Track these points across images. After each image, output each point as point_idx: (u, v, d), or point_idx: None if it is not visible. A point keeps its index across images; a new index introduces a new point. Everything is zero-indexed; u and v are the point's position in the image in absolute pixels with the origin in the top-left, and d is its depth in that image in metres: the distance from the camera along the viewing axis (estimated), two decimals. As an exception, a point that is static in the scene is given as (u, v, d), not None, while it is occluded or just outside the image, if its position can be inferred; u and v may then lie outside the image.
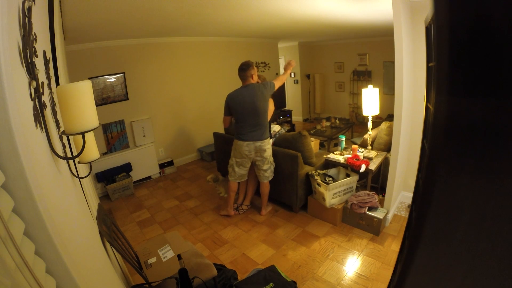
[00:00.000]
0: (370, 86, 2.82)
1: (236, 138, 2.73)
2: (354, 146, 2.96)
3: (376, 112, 2.86)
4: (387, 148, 3.06)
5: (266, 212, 3.04)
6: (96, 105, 1.51)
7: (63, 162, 0.94)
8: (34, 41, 0.74)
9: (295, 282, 1.90)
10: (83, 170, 1.54)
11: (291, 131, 3.69)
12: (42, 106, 0.73)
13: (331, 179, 2.77)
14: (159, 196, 3.75)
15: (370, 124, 2.93)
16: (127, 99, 4.06)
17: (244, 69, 2.61)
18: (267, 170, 2.80)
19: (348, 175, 2.76)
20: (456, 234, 0.73)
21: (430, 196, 0.74)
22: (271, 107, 2.89)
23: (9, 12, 0.57)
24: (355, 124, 6.23)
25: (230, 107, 2.67)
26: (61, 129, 0.97)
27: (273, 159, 2.88)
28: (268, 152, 2.73)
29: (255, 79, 2.63)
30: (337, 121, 5.35)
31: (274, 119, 5.97)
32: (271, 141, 2.77)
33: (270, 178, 2.86)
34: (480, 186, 0.67)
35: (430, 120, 0.81)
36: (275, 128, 3.34)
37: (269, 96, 2.67)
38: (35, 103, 0.68)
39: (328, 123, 5.30)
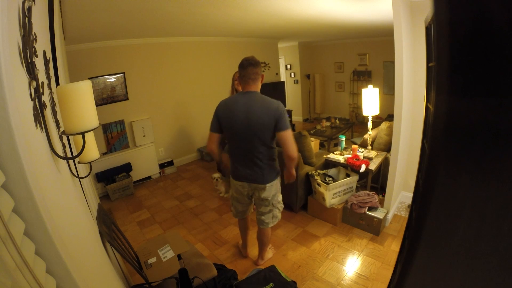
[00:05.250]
0: (370, 86, 2.82)
1: (231, 170, 1.98)
2: (354, 146, 2.96)
3: (376, 112, 2.86)
4: (387, 148, 3.06)
5: (263, 262, 2.26)
6: (96, 105, 1.51)
7: (63, 162, 0.94)
8: (34, 41, 0.74)
9: (295, 282, 1.90)
10: (83, 170, 1.54)
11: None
12: (42, 106, 0.73)
13: (331, 179, 2.77)
14: (159, 196, 3.75)
15: (370, 124, 2.93)
16: (127, 99, 4.06)
17: (254, 63, 1.70)
18: (265, 214, 1.99)
19: (348, 175, 2.76)
20: (456, 234, 0.73)
21: (430, 196, 0.74)
22: None
23: (9, 12, 0.57)
24: (355, 124, 6.23)
25: (220, 118, 1.79)
26: (61, 129, 0.97)
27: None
28: (269, 193, 1.89)
29: (258, 86, 1.78)
30: (337, 121, 5.35)
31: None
32: (277, 180, 1.94)
33: (270, 225, 2.03)
34: (480, 186, 0.67)
35: (430, 120, 0.81)
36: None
37: (282, 125, 1.68)
38: (35, 103, 0.68)
39: (328, 123, 5.30)
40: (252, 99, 1.71)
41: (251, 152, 1.78)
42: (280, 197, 2.02)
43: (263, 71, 6.10)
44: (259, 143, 1.74)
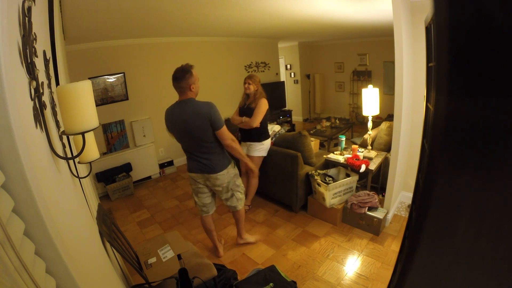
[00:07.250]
0: (370, 86, 2.82)
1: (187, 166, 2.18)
2: (354, 146, 2.96)
3: (376, 112, 2.86)
4: (387, 148, 3.06)
5: (243, 241, 2.50)
6: (96, 105, 1.51)
7: (63, 162, 0.94)
8: (34, 41, 0.74)
9: (295, 282, 1.90)
10: (83, 170, 1.54)
11: (291, 131, 3.69)
12: (42, 106, 0.73)
13: (331, 179, 2.77)
14: (159, 196, 3.75)
15: (370, 124, 2.93)
16: (127, 99, 4.06)
17: (178, 78, 1.81)
18: (229, 199, 2.19)
19: (348, 175, 2.76)
20: (456, 234, 0.73)
21: (430, 196, 0.74)
22: (263, 108, 2.61)
23: (9, 12, 0.57)
24: (355, 124, 6.23)
25: (166, 124, 2.05)
26: (61, 129, 0.97)
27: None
28: (223, 180, 2.05)
29: (196, 90, 1.89)
30: (337, 121, 5.36)
31: (274, 119, 5.98)
32: (230, 168, 2.08)
33: (239, 207, 2.25)
34: (480, 186, 0.67)
35: (430, 120, 0.81)
36: (275, 128, 3.34)
37: (216, 126, 1.87)
38: (35, 103, 0.68)
39: (328, 123, 5.30)
40: (184, 109, 1.87)
41: (197, 149, 1.98)
42: (238, 181, 2.18)
43: (263, 70, 6.11)
44: (201, 142, 1.93)
